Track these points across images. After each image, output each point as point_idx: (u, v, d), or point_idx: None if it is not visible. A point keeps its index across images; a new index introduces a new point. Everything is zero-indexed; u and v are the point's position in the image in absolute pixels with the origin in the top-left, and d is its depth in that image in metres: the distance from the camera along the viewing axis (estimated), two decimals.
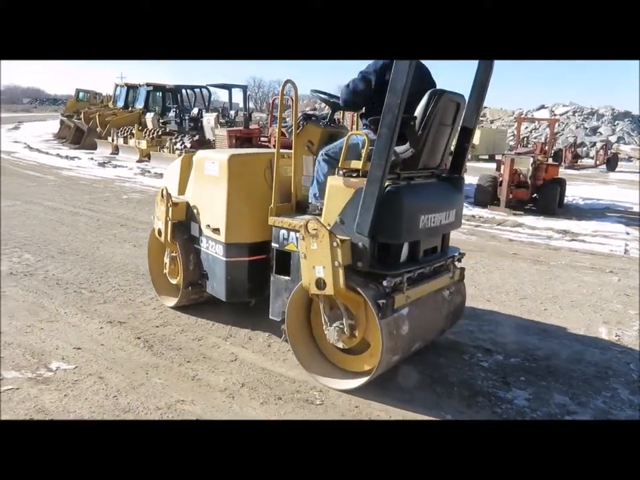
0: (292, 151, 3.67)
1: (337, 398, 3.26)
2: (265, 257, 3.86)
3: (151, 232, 4.66)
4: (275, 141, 13.88)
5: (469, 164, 20.53)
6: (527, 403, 3.29)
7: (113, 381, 3.32)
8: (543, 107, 43.60)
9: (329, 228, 3.16)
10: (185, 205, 4.29)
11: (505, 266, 6.52)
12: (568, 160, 22.76)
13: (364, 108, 3.66)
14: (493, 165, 25.41)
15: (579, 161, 25.64)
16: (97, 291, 4.87)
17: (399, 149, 3.21)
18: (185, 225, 4.30)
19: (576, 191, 13.96)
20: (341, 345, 3.33)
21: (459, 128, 3.67)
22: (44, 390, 3.17)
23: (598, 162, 25.31)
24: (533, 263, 6.79)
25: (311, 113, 4.85)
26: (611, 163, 25.75)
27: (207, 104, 19.84)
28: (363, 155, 3.16)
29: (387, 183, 3.07)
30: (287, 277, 3.62)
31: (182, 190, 4.39)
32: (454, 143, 3.75)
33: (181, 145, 16.33)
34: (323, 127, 4.17)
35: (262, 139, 15.95)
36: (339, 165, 3.31)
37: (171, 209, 4.19)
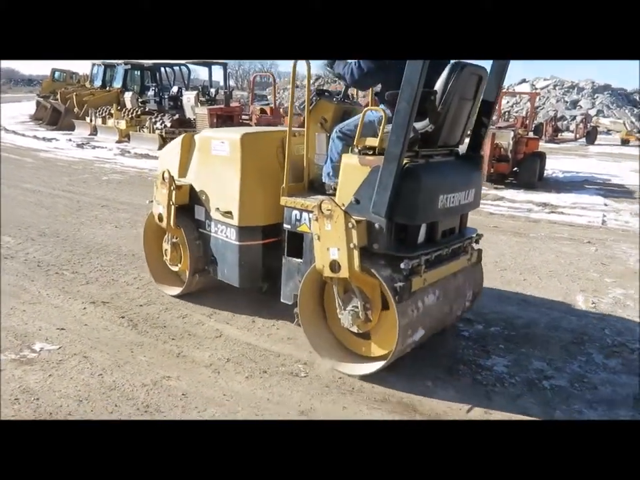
0: (304, 129, 3.51)
1: (320, 369, 3.32)
2: (277, 240, 3.73)
3: (147, 218, 4.43)
4: (257, 119, 13.80)
5: None
6: (505, 370, 3.38)
7: (97, 359, 3.34)
8: (524, 80, 43.56)
9: (343, 208, 3.02)
10: (189, 187, 4.06)
11: (486, 239, 6.57)
12: (548, 134, 22.90)
13: (379, 85, 3.48)
14: None
15: (559, 134, 25.79)
16: (79, 272, 4.85)
17: (417, 125, 3.08)
18: (188, 209, 4.09)
19: (556, 164, 14.07)
20: (355, 329, 3.22)
21: (479, 103, 3.46)
22: (28, 371, 3.18)
23: (578, 135, 25.47)
24: (512, 235, 6.89)
25: (324, 89, 4.63)
26: (591, 136, 25.95)
27: (186, 82, 19.55)
28: (380, 131, 3.01)
29: (404, 161, 2.93)
30: (299, 260, 3.49)
31: (183, 172, 4.14)
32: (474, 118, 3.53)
33: (161, 125, 16.10)
34: (337, 103, 3.95)
35: (243, 117, 15.84)
36: (354, 143, 3.15)
37: (174, 192, 3.96)
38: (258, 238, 3.78)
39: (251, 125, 15.19)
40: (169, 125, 16.03)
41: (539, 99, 36.68)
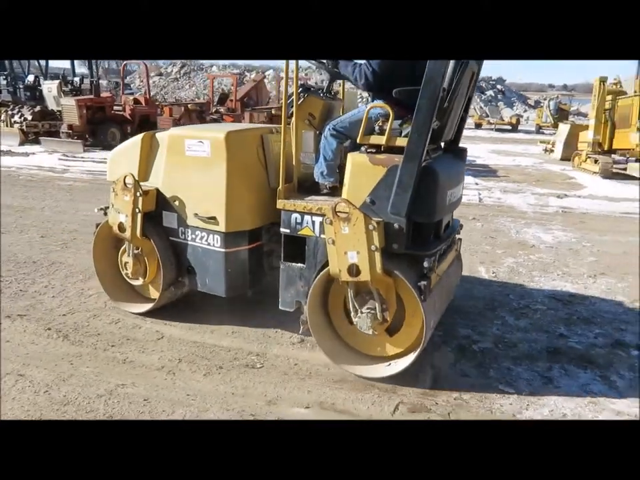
0: (282, 126, 3.26)
1: (275, 359, 3.41)
2: (261, 244, 3.65)
3: (98, 229, 3.99)
4: (132, 109, 13.09)
5: None
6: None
7: (36, 376, 3.10)
8: None
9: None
10: (155, 192, 3.71)
11: None
12: None
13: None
14: None
15: None
16: None
17: None
18: (154, 216, 3.73)
19: None
20: (371, 332, 3.13)
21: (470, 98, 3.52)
22: None
23: None
24: None
25: (309, 84, 4.35)
26: None
27: (43, 71, 17.90)
28: (387, 129, 2.96)
29: None
30: (300, 265, 3.33)
31: (144, 175, 3.76)
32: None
33: (20, 118, 14.66)
34: (324, 99, 3.70)
35: (115, 107, 14.92)
36: (358, 141, 3.08)
37: (140, 198, 3.59)
38: (244, 243, 3.58)
39: (124, 116, 14.41)
40: (29, 117, 14.68)
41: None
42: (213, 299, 3.81)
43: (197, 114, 14.55)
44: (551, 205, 8.75)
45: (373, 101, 3.29)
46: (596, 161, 12.99)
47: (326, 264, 3.14)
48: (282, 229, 3.33)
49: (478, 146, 17.42)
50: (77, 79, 16.32)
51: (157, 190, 3.71)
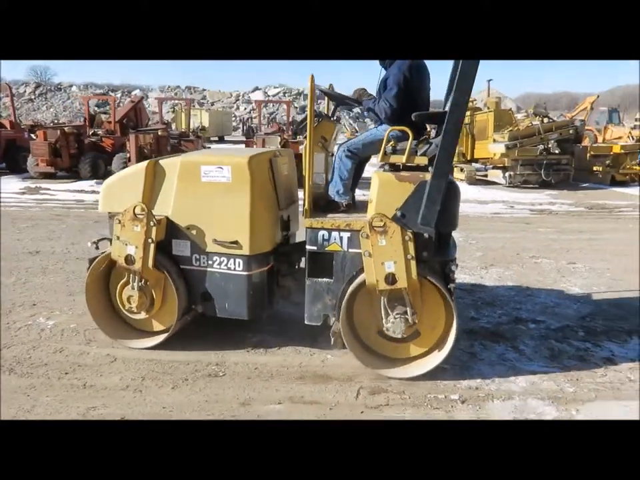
0: (309, 149, 3.42)
1: (235, 366, 3.59)
2: (273, 264, 3.78)
3: (94, 265, 3.79)
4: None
5: (215, 146, 21.06)
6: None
7: None
8: (257, 88, 46.83)
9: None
10: (165, 221, 3.64)
11: None
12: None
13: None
14: (226, 146, 26.57)
15: (297, 137, 28.71)
16: None
17: (436, 141, 3.42)
18: (163, 245, 3.65)
19: None
20: (400, 335, 3.35)
21: None
22: None
23: None
24: None
25: (318, 110, 4.41)
26: None
27: None
28: (407, 149, 3.32)
29: None
30: (328, 279, 3.48)
31: (149, 204, 3.63)
32: None
33: None
34: (334, 122, 3.98)
35: None
36: (379, 160, 3.41)
37: (154, 228, 3.53)
38: (265, 264, 3.68)
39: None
40: None
41: (272, 105, 39.89)
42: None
43: (75, 137, 13.86)
44: None
45: (381, 125, 3.65)
46: (462, 170, 14.57)
47: (352, 277, 3.41)
48: (308, 247, 3.48)
49: None
50: None
51: (167, 218, 3.65)
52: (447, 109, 3.37)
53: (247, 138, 15.20)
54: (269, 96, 43.84)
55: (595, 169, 14.25)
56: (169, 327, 3.76)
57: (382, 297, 3.36)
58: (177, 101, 32.63)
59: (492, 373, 3.54)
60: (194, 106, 29.87)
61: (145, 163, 3.73)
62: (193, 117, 26.01)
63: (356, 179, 3.94)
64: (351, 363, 3.62)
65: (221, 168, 3.52)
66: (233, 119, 38.41)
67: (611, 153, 14.49)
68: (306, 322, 3.62)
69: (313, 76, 3.35)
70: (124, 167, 12.94)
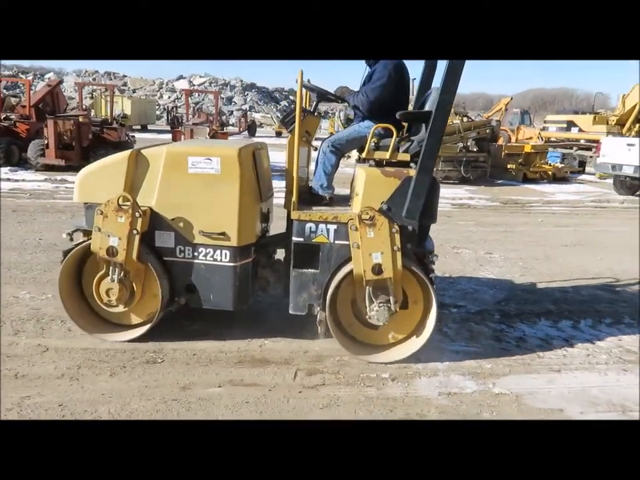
0: (296, 142, 3.53)
1: (173, 353, 3.63)
2: (254, 255, 3.81)
3: (68, 259, 3.66)
4: None
5: (138, 135, 20.40)
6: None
7: None
8: (181, 77, 45.58)
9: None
10: (149, 212, 3.56)
11: None
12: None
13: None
14: (149, 135, 25.85)
15: (225, 128, 28.39)
16: None
17: (417, 137, 3.66)
18: (147, 236, 3.59)
19: None
20: (383, 323, 3.50)
21: None
22: None
23: (241, 129, 28.52)
24: None
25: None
26: (251, 129, 29.37)
27: None
28: (391, 146, 3.51)
29: None
30: (314, 270, 3.59)
31: (131, 195, 3.53)
32: None
33: None
34: (317, 117, 4.04)
35: None
36: (364, 156, 3.58)
37: (139, 219, 3.46)
38: (249, 255, 3.72)
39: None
40: None
41: (198, 95, 39.06)
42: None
43: None
44: None
45: (362, 121, 3.86)
46: None
47: (337, 268, 3.56)
48: (295, 238, 3.58)
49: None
50: None
51: (150, 209, 3.58)
52: (427, 108, 3.62)
53: (172, 127, 14.84)
54: (194, 85, 42.83)
55: (508, 166, 15.20)
56: (148, 320, 3.74)
57: (367, 287, 3.50)
58: (96, 87, 31.18)
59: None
60: (114, 93, 28.74)
61: (126, 153, 3.65)
62: (115, 104, 24.97)
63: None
64: (289, 347, 3.77)
65: (210, 159, 3.51)
66: (157, 107, 37.23)
67: (523, 152, 15.52)
68: (290, 311, 3.73)
69: (302, 71, 3.44)
70: (41, 154, 12.36)
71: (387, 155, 3.60)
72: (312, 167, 4.23)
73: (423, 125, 3.65)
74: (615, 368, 3.74)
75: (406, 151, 3.69)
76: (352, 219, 3.43)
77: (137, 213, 3.47)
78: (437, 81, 3.98)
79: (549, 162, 16.41)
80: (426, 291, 3.60)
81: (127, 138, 14.30)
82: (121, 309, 3.73)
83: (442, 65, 3.71)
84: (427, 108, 3.68)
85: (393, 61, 3.71)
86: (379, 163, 3.65)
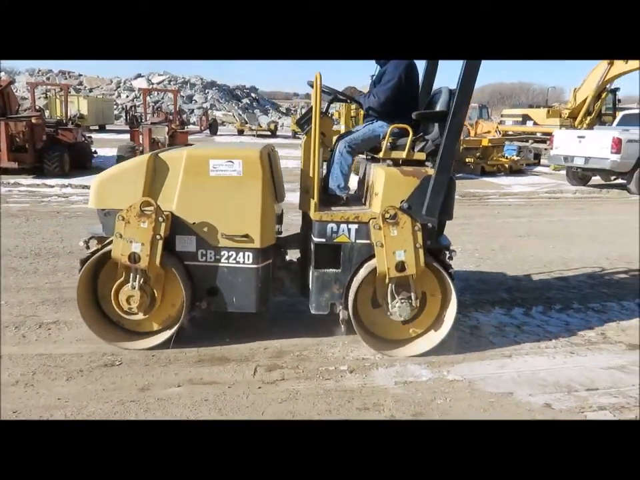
0: (316, 143, 3.56)
1: (132, 354, 3.61)
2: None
3: (85, 268, 3.55)
4: None
5: (96, 135, 19.92)
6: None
7: None
8: (139, 75, 44.70)
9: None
10: (170, 216, 3.51)
11: None
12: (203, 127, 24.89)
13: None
14: (108, 136, 25.31)
15: (185, 127, 28.04)
16: None
17: (429, 136, 3.76)
18: (168, 241, 3.54)
19: None
20: (405, 318, 3.61)
21: None
22: None
23: (202, 127, 28.21)
24: None
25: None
26: (213, 127, 29.08)
27: None
28: (407, 145, 3.61)
29: None
30: (335, 270, 3.64)
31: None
32: None
33: None
34: (331, 118, 4.01)
35: None
36: (381, 155, 3.66)
37: (163, 224, 3.43)
38: (270, 257, 3.75)
39: None
40: None
41: (157, 93, 38.40)
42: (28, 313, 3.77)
43: None
44: None
45: (376, 122, 3.92)
46: None
47: (359, 266, 3.62)
48: (317, 239, 3.61)
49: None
50: None
51: (171, 214, 3.53)
52: (438, 108, 3.74)
53: (131, 127, 14.56)
54: (152, 84, 42.04)
55: (467, 160, 15.51)
56: (166, 326, 3.72)
57: (390, 284, 3.57)
58: (50, 87, 30.30)
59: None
60: (69, 92, 28.02)
61: (145, 157, 3.61)
62: (70, 103, 24.38)
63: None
64: (250, 344, 3.80)
65: (232, 162, 3.51)
66: (115, 107, 36.45)
67: (481, 146, 15.87)
68: (313, 312, 3.77)
69: (320, 74, 3.49)
70: None
71: (403, 155, 3.71)
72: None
73: (436, 124, 3.77)
74: (562, 351, 3.91)
75: (421, 150, 3.81)
76: (375, 218, 3.51)
77: (160, 218, 3.45)
78: (439, 82, 4.27)
79: (506, 155, 16.82)
80: (442, 284, 3.73)
81: (83, 139, 14.01)
82: (140, 316, 3.66)
83: (442, 65, 4.10)
84: (437, 108, 3.79)
85: (404, 61, 3.78)
86: (395, 163, 3.75)
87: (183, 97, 40.89)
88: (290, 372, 3.48)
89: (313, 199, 3.61)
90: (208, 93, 43.30)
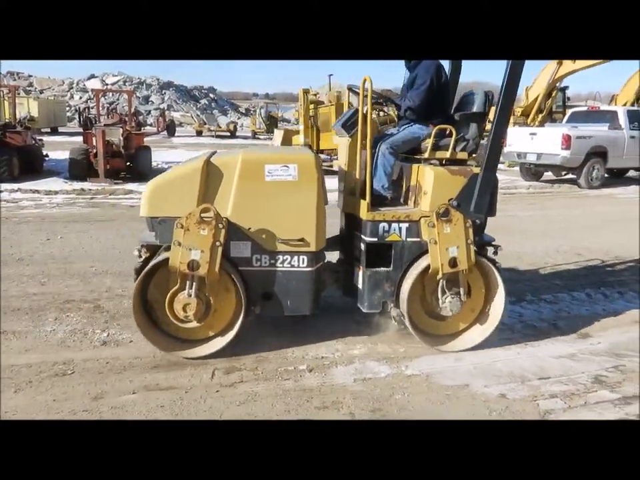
0: (369, 145, 3.68)
1: (84, 363, 3.51)
2: None
3: (141, 277, 3.48)
4: None
5: (47, 138, 19.34)
6: None
7: None
8: (93, 76, 43.50)
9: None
10: (227, 223, 3.48)
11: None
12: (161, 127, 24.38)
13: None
14: (60, 138, 24.60)
15: (142, 128, 27.48)
16: None
17: (470, 136, 3.90)
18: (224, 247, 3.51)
19: (156, 156, 15.44)
20: (455, 313, 3.69)
21: None
22: None
23: (160, 128, 27.70)
24: None
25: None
26: (170, 128, 28.60)
27: None
28: (451, 145, 3.75)
29: None
30: (386, 268, 3.72)
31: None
32: None
33: None
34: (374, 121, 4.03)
35: None
36: (427, 156, 3.79)
37: (223, 230, 3.41)
38: (323, 259, 3.82)
39: None
40: None
41: (112, 94, 37.53)
42: None
43: None
44: None
45: (414, 124, 4.03)
46: None
47: (410, 264, 3.71)
48: (368, 238, 3.69)
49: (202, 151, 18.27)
50: None
51: (227, 219, 3.50)
52: (475, 109, 3.95)
53: (85, 129, 14.14)
54: (107, 84, 41.01)
55: None
56: (219, 333, 3.69)
57: (441, 280, 3.66)
58: None
59: (336, 343, 3.90)
60: (19, 93, 27.05)
61: (199, 163, 3.54)
62: (19, 105, 23.56)
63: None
64: (213, 349, 3.73)
65: (287, 166, 3.52)
66: (68, 108, 35.40)
67: None
68: (365, 310, 3.86)
69: (369, 78, 3.55)
70: None
71: (447, 154, 3.82)
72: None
73: (473, 124, 3.95)
74: (516, 342, 4.01)
75: (462, 150, 3.91)
76: (428, 216, 3.61)
77: (220, 224, 3.43)
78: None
79: None
80: (485, 279, 3.86)
81: (33, 142, 13.55)
82: (194, 324, 3.60)
83: (466, 65, 4.34)
84: (474, 109, 3.97)
85: (433, 63, 3.90)
86: (440, 162, 3.88)
87: (139, 97, 40.03)
88: (249, 374, 3.45)
89: (365, 199, 3.69)
90: (165, 93, 42.54)
